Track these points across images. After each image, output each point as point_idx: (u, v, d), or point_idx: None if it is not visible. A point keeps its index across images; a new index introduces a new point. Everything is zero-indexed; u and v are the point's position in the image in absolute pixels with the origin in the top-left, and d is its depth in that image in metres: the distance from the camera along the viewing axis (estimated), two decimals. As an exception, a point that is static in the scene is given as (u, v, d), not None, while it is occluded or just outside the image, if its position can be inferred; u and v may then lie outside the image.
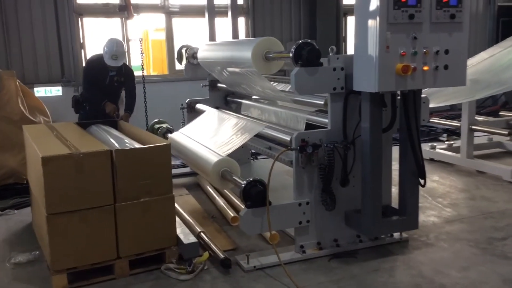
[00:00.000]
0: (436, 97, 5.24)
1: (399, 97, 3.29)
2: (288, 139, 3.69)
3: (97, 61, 5.86)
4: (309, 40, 3.33)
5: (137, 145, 3.48)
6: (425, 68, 2.98)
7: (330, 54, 3.37)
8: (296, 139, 3.35)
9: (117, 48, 5.73)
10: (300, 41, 3.31)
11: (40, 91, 7.48)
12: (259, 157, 6.34)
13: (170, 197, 3.35)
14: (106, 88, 5.90)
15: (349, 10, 9.47)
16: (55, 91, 7.58)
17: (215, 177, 3.83)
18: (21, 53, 7.40)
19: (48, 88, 7.55)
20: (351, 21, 9.55)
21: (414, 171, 3.38)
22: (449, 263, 3.37)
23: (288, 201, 3.48)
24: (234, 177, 3.65)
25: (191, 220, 4.01)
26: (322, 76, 3.30)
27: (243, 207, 3.43)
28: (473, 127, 5.63)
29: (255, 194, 3.27)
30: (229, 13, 7.45)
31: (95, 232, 3.13)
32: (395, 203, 3.64)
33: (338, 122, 3.44)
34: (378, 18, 2.85)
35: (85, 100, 5.95)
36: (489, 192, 4.92)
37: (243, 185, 3.32)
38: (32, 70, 7.49)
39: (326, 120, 3.80)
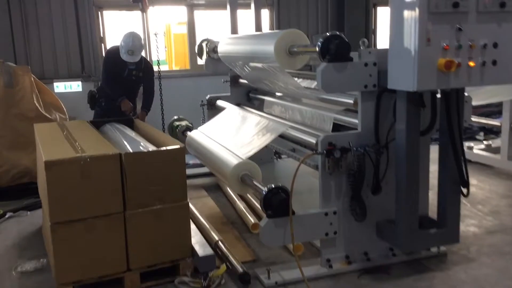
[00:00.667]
0: (475, 95, 4.81)
1: (438, 95, 2.95)
2: (314, 141, 3.38)
3: (115, 52, 5.66)
4: (337, 33, 3.00)
5: (151, 148, 3.23)
6: (471, 63, 2.62)
7: (361, 47, 3.03)
8: (323, 142, 3.03)
9: (133, 43, 5.52)
10: (327, 34, 2.98)
11: (60, 87, 7.36)
12: (283, 156, 6.03)
13: (185, 204, 3.08)
14: (124, 82, 5.70)
15: (380, 1, 9.04)
16: (75, 86, 7.44)
17: (235, 181, 3.54)
18: (40, 48, 7.27)
19: (68, 83, 7.42)
20: (381, 12, 9.11)
21: (455, 179, 3.02)
22: (493, 282, 3.01)
23: (314, 209, 3.17)
24: (254, 182, 3.36)
25: (208, 227, 3.74)
26: (352, 72, 2.97)
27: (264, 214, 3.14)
28: (516, 126, 5.18)
29: (277, 203, 2.97)
30: (252, 5, 7.12)
31: (103, 242, 2.89)
32: (432, 211, 3.30)
33: (370, 124, 3.10)
34: (417, 7, 2.50)
35: (101, 96, 5.75)
36: (534, 198, 4.50)
37: (264, 192, 3.03)
38: (51, 65, 7.37)
39: (356, 121, 3.47)
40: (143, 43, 5.78)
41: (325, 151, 3.02)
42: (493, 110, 8.22)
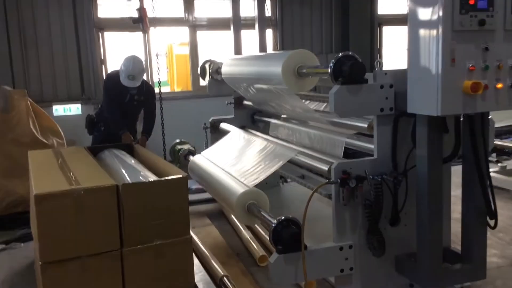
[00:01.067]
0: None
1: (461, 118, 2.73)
2: (326, 168, 3.16)
3: (116, 77, 5.45)
4: (350, 53, 2.80)
5: (152, 177, 3.00)
6: (499, 85, 2.40)
7: (377, 68, 2.82)
8: (336, 170, 2.80)
9: (134, 68, 5.28)
10: (340, 54, 2.78)
11: (59, 110, 7.17)
12: (289, 180, 5.79)
13: (187, 239, 2.85)
14: (125, 107, 5.48)
15: (385, 20, 8.91)
16: (75, 109, 7.24)
17: (241, 211, 3.31)
18: (39, 70, 7.10)
19: (67, 106, 7.22)
20: (386, 31, 8.96)
21: (481, 209, 2.78)
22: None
23: (328, 243, 2.92)
24: (262, 213, 3.13)
25: (212, 261, 3.49)
26: (368, 95, 2.75)
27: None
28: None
29: (288, 236, 2.72)
30: (256, 25, 6.97)
31: (98, 283, 2.65)
32: (453, 241, 3.05)
33: (387, 150, 2.88)
34: (440, 25, 2.29)
35: (100, 120, 5.53)
36: (559, 225, 4.24)
37: (273, 225, 2.79)
38: (50, 88, 7.18)
39: (369, 146, 3.26)
40: (144, 66, 5.57)
41: (339, 180, 2.79)
42: (501, 129, 8.02)
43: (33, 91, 6.78)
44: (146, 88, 5.59)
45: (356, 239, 2.91)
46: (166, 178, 2.83)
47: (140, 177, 2.96)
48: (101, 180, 2.76)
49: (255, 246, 3.84)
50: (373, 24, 8.55)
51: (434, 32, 2.34)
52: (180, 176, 2.80)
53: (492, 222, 2.80)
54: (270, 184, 5.26)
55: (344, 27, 8.37)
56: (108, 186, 2.63)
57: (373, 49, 8.55)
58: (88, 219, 2.59)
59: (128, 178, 2.94)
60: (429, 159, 2.65)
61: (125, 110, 5.47)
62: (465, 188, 2.82)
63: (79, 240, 2.58)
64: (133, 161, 3.46)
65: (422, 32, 2.42)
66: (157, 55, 6.69)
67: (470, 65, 2.34)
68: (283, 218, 2.79)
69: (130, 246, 2.69)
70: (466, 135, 2.66)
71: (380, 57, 8.84)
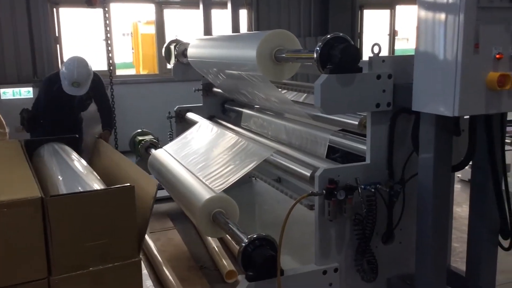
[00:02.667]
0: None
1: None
2: (308, 174, 2.64)
3: (58, 83, 4.43)
4: (341, 34, 2.26)
5: (96, 185, 2.43)
6: (528, 79, 1.91)
7: (373, 54, 2.29)
8: (321, 178, 2.28)
9: (78, 73, 4.32)
10: (328, 36, 2.24)
11: (8, 93, 6.45)
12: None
13: (135, 262, 2.28)
14: (70, 110, 4.63)
15: (366, 3, 8.40)
16: (25, 92, 6.53)
17: (205, 221, 2.80)
18: (-15, 50, 6.36)
19: (16, 89, 6.50)
20: (368, 15, 8.45)
21: (493, 227, 2.31)
22: None
23: (309, 266, 2.41)
24: (230, 225, 2.60)
25: (171, 278, 2.95)
26: (362, 87, 2.23)
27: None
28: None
29: (262, 261, 2.20)
30: (229, 4, 6.37)
31: (19, 321, 2.07)
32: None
33: (381, 154, 2.38)
34: (463, 1, 1.77)
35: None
36: (559, 232, 3.84)
37: (243, 245, 2.26)
38: (-2, 69, 6.45)
39: (357, 145, 2.77)
40: (90, 67, 4.52)
41: (324, 191, 2.27)
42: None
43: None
44: (92, 79, 4.61)
45: (342, 260, 2.42)
46: (108, 188, 2.25)
47: (78, 186, 2.37)
48: (23, 190, 2.16)
49: (222, 259, 3.31)
50: (354, 6, 8.03)
51: (453, 10, 1.81)
52: (126, 185, 2.22)
53: (507, 243, 2.33)
54: (241, 180, 4.70)
55: (323, 9, 7.84)
56: (30, 199, 2.04)
57: (354, 34, 8.05)
58: (7, 242, 2.01)
59: (62, 187, 2.35)
60: (435, 167, 2.15)
61: (70, 113, 4.66)
62: (476, 200, 2.34)
63: (-7, 269, 2.00)
64: (76, 162, 2.85)
65: (436, 9, 1.89)
66: (107, 38, 5.90)
67: (497, 53, 1.83)
68: (255, 236, 2.27)
69: (60, 273, 2.11)
70: (482, 139, 2.17)
71: (361, 42, 8.35)
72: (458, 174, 4.94)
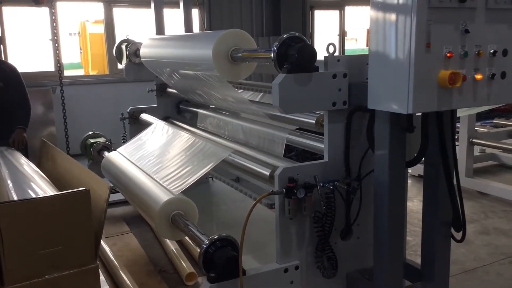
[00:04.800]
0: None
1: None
2: (267, 173, 2.66)
3: None
4: (297, 34, 2.28)
5: (50, 190, 2.34)
6: (478, 76, 1.99)
7: (328, 54, 2.33)
8: (281, 177, 2.29)
9: None
10: (285, 36, 2.26)
11: None
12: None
13: (92, 269, 2.22)
14: None
15: (316, 4, 8.54)
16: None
17: (163, 223, 2.74)
18: None
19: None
20: (318, 15, 8.60)
21: (446, 220, 2.40)
22: None
23: (270, 265, 2.42)
24: (190, 227, 2.57)
25: (129, 284, 2.89)
26: (318, 86, 2.26)
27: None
28: (474, 140, 4.76)
29: (223, 261, 2.19)
30: (181, 4, 6.29)
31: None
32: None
33: (338, 151, 2.42)
34: (414, 0, 1.83)
35: None
36: (503, 222, 4.06)
37: (204, 246, 2.24)
38: None
39: (314, 144, 2.81)
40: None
41: (284, 190, 2.28)
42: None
43: None
44: (5, 71, 4.33)
45: (303, 258, 2.44)
46: (62, 193, 2.17)
47: (31, 192, 2.27)
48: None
49: (182, 261, 3.26)
50: (305, 7, 8.13)
51: (405, 9, 1.87)
52: (82, 189, 2.15)
53: (459, 235, 2.43)
54: (198, 181, 4.65)
55: (275, 9, 7.89)
56: (-22, 207, 1.94)
57: (306, 34, 8.15)
58: (-49, 253, 1.90)
59: (13, 194, 2.25)
60: (390, 163, 2.21)
61: None
62: (428, 194, 2.43)
63: None
64: (26, 167, 2.73)
65: (389, 9, 1.94)
66: (52, 39, 5.62)
67: (448, 51, 1.90)
68: (216, 237, 2.26)
69: (14, 283, 2.02)
70: (433, 135, 2.25)
71: (312, 42, 8.48)
72: (409, 170, 5.09)
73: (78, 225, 2.14)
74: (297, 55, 2.18)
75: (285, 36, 2.26)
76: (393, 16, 1.93)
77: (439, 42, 1.89)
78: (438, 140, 2.23)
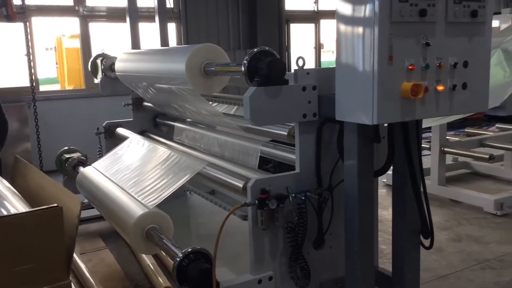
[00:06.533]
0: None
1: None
2: (240, 185, 2.68)
3: None
4: (267, 48, 2.34)
5: (22, 207, 2.32)
6: (440, 87, 2.07)
7: (298, 67, 2.39)
8: (253, 188, 2.33)
9: None
10: (255, 50, 2.31)
11: None
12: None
13: (65, 285, 2.20)
14: None
15: (292, 17, 8.67)
16: None
17: (138, 238, 2.74)
18: None
19: None
20: (294, 28, 8.73)
21: (414, 227, 2.46)
22: None
23: (244, 276, 2.44)
24: (164, 241, 2.58)
25: (104, 300, 2.87)
26: (288, 98, 2.32)
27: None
28: (446, 149, 4.88)
29: (197, 274, 2.21)
30: (156, 18, 6.31)
31: None
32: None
33: (310, 162, 2.47)
34: (376, 15, 1.90)
35: None
36: (474, 229, 4.15)
37: (177, 260, 2.26)
38: None
39: (287, 155, 2.86)
40: None
41: (257, 201, 2.31)
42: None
43: None
44: None
45: (277, 268, 2.47)
46: (34, 210, 2.16)
47: (2, 209, 2.26)
48: None
49: (158, 276, 3.25)
50: (281, 20, 8.25)
51: (368, 24, 1.94)
52: (54, 206, 2.15)
53: (428, 242, 2.49)
54: (176, 194, 4.65)
55: (252, 23, 7.99)
56: None
57: (282, 47, 8.26)
58: None
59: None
60: (359, 172, 2.27)
61: None
62: (396, 203, 2.49)
63: None
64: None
65: (353, 24, 2.01)
66: (28, 53, 5.61)
67: (409, 64, 1.97)
68: (190, 250, 2.28)
69: (-16, 302, 2.00)
70: (399, 145, 2.31)
71: (289, 55, 8.59)
72: (383, 179, 5.19)
73: (50, 242, 2.13)
74: (267, 68, 2.23)
75: (255, 50, 2.32)
76: (357, 30, 1.99)
77: (401, 55, 1.96)
78: (404, 150, 2.29)
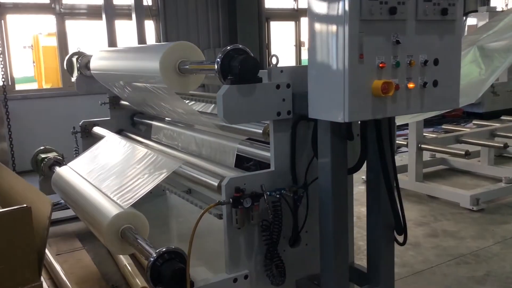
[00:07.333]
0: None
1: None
2: (215, 183, 2.67)
3: None
4: (240, 46, 2.33)
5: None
6: (411, 85, 2.09)
7: (272, 65, 2.38)
8: (228, 187, 2.32)
9: None
10: (228, 47, 2.30)
11: None
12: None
13: (36, 287, 2.16)
14: None
15: (272, 15, 8.67)
16: None
17: (113, 238, 2.71)
18: None
19: None
20: (274, 26, 8.73)
21: (388, 223, 2.48)
22: None
23: (219, 275, 2.43)
24: (139, 240, 2.55)
25: (79, 300, 2.84)
26: (262, 96, 2.31)
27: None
28: (423, 145, 4.93)
29: (171, 274, 2.19)
30: (133, 15, 6.26)
31: None
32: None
33: (285, 160, 2.47)
34: (346, 13, 1.90)
35: None
36: (450, 224, 4.21)
37: (151, 259, 2.24)
38: None
39: (262, 152, 2.86)
40: None
41: (231, 200, 2.31)
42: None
43: None
44: None
45: (252, 267, 2.47)
46: (2, 211, 2.12)
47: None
48: None
49: (134, 276, 3.23)
50: (261, 18, 8.25)
51: (339, 22, 1.94)
52: (23, 206, 2.11)
53: (401, 238, 2.50)
54: (155, 194, 4.63)
55: (231, 20, 7.96)
56: None
57: (262, 45, 8.26)
58: None
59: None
60: (333, 170, 2.28)
61: None
62: (370, 200, 2.50)
63: None
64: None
65: (325, 22, 2.02)
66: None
67: (380, 62, 1.98)
68: (164, 250, 2.25)
69: (-49, 306, 1.96)
70: (372, 142, 2.33)
71: (269, 52, 8.59)
72: (363, 176, 5.22)
73: (19, 243, 2.10)
74: (240, 66, 2.22)
75: (228, 48, 2.30)
76: (328, 28, 2.00)
77: (372, 53, 1.97)
78: (377, 147, 2.30)
